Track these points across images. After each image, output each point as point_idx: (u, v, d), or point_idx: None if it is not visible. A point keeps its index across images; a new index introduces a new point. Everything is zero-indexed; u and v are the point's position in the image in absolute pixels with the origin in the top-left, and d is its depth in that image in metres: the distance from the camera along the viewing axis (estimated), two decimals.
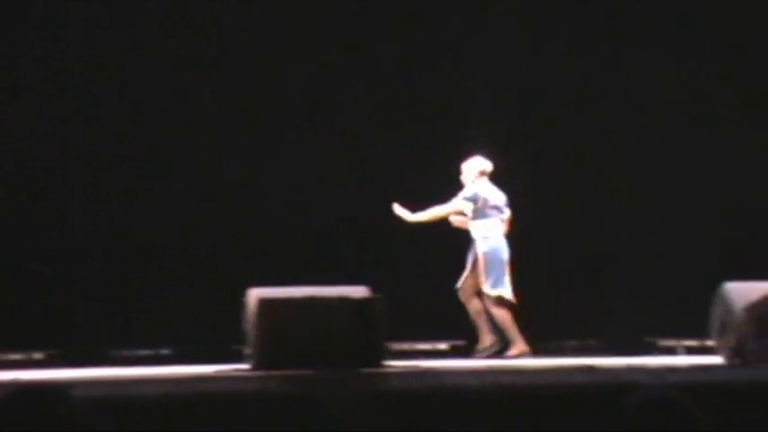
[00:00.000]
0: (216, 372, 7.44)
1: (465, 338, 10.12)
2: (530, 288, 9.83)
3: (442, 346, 9.73)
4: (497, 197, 9.14)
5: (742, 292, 7.54)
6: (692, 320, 8.84)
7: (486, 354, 8.90)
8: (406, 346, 9.62)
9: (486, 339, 9.01)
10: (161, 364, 8.80)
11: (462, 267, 9.12)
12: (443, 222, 9.23)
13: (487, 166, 9.16)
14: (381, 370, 6.97)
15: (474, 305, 9.07)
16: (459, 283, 9.05)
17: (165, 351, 9.89)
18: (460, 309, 9.54)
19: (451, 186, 9.22)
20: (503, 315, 8.96)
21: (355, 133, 10.55)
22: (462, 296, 9.09)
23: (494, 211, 9.08)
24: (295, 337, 7.03)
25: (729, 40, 10.79)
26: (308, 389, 6.18)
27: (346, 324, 7.07)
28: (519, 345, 8.92)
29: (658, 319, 10.30)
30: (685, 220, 10.76)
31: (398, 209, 9.11)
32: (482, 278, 8.97)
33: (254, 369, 7.22)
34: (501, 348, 8.95)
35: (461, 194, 9.11)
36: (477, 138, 9.60)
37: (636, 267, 10.63)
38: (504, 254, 9.05)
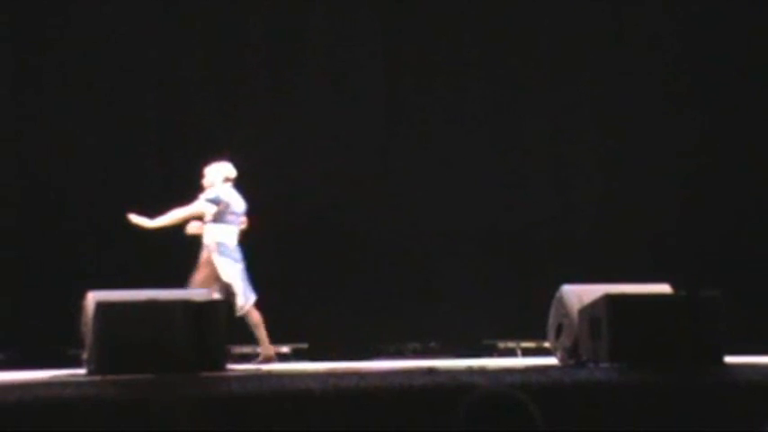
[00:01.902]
0: (51, 377, 7.27)
1: (308, 342, 10.13)
2: (369, 292, 9.89)
3: (285, 349, 9.71)
4: (238, 204, 8.97)
5: (578, 294, 7.70)
6: (531, 323, 9.02)
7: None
8: (247, 349, 9.57)
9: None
10: None
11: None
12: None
13: (232, 171, 9.01)
14: (223, 374, 6.91)
15: None
16: (189, 284, 8.78)
17: None
18: (300, 312, 9.54)
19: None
20: (255, 319, 8.90)
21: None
22: None
23: (233, 218, 8.89)
24: (134, 341, 6.91)
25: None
26: (147, 394, 6.09)
27: (187, 328, 6.98)
28: (266, 348, 8.88)
29: (497, 321, 10.47)
30: (524, 224, 10.96)
31: (134, 218, 8.86)
32: (232, 288, 8.81)
33: (91, 374, 7.08)
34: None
35: (203, 196, 8.92)
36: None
37: (475, 270, 10.78)
38: (240, 261, 8.87)
